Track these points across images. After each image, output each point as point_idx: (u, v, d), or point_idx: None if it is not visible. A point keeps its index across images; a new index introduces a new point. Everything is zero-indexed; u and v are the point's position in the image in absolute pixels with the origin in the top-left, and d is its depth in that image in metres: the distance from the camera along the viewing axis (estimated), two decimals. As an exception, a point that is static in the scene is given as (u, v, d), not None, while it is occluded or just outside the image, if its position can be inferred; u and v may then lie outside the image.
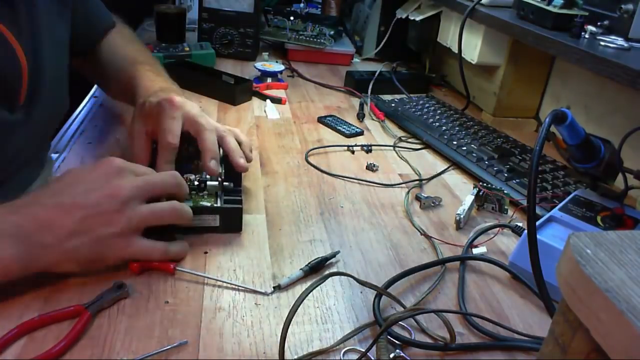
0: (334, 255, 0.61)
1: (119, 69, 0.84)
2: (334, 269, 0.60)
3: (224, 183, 0.65)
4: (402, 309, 0.54)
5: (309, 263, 0.59)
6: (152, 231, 0.56)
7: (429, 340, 0.52)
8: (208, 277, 0.57)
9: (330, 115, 1.05)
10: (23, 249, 0.49)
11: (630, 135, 0.66)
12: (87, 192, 0.52)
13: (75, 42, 0.78)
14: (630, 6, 0.80)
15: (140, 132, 0.68)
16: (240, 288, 0.56)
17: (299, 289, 0.57)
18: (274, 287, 0.56)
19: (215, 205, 0.63)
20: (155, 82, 0.77)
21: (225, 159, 0.69)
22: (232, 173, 0.68)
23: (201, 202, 0.63)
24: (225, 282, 0.56)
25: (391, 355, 0.49)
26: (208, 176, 0.66)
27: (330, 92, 1.22)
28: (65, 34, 0.75)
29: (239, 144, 0.70)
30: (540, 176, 0.83)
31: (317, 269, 0.59)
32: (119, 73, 0.84)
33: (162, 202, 0.57)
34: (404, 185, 0.82)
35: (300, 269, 0.59)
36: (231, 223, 0.64)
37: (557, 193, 0.78)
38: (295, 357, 0.48)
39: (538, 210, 0.72)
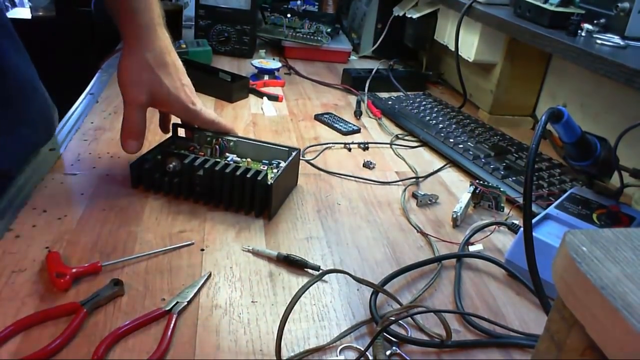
0: (315, 268, 0.59)
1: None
2: (330, 267, 0.60)
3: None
4: (398, 306, 0.54)
5: (289, 255, 0.60)
6: None
7: (425, 338, 0.52)
8: (134, 257, 0.58)
9: (327, 113, 1.05)
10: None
11: (626, 133, 0.66)
12: None
13: None
14: (626, 4, 0.80)
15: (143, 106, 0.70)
16: (168, 250, 0.59)
17: (296, 286, 0.57)
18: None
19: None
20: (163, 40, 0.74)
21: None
22: None
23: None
24: (155, 252, 0.59)
25: (388, 353, 0.49)
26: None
27: (327, 90, 1.22)
28: None
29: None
30: (536, 174, 0.83)
31: (292, 264, 0.60)
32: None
33: None
34: (400, 182, 0.82)
35: (278, 252, 0.60)
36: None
37: (553, 191, 0.78)
38: (292, 354, 0.48)
39: (534, 208, 0.72)
